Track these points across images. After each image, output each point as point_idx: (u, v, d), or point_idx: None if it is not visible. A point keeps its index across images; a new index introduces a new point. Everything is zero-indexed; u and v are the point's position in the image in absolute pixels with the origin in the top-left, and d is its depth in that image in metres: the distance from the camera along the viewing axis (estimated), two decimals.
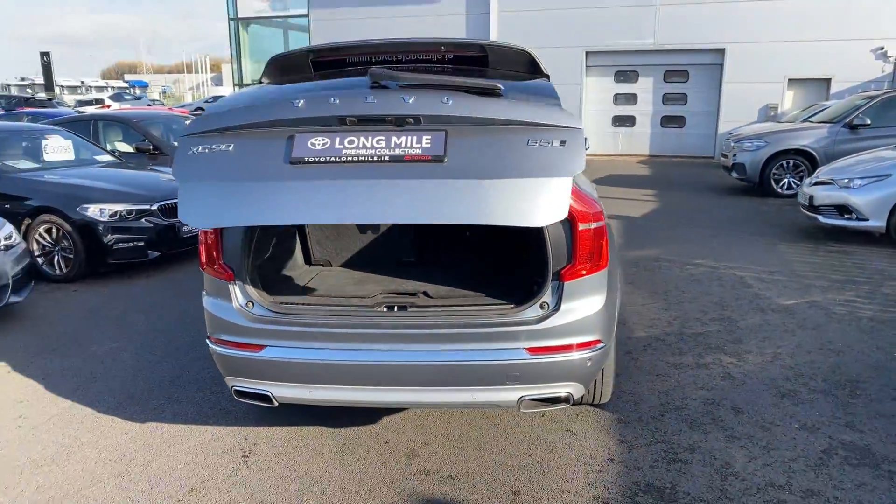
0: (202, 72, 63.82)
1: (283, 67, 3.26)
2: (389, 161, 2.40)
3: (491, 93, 2.53)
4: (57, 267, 6.36)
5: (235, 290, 2.83)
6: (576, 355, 2.75)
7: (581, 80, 18.49)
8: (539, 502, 2.82)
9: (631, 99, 18.74)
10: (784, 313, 5.13)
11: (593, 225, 2.72)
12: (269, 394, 2.84)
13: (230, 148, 2.48)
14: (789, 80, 16.84)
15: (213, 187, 2.45)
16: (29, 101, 23.09)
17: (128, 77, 69.89)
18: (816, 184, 7.76)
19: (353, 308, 2.91)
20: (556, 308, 2.74)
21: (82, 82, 59.09)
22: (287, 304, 2.87)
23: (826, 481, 2.91)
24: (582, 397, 3.43)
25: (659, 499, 2.82)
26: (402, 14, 19.38)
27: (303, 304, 2.93)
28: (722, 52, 17.18)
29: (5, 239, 5.20)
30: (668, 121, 18.57)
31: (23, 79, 53.59)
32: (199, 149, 2.50)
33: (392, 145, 2.42)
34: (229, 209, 2.41)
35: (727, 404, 3.64)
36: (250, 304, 2.82)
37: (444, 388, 2.73)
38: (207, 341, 2.96)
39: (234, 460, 3.17)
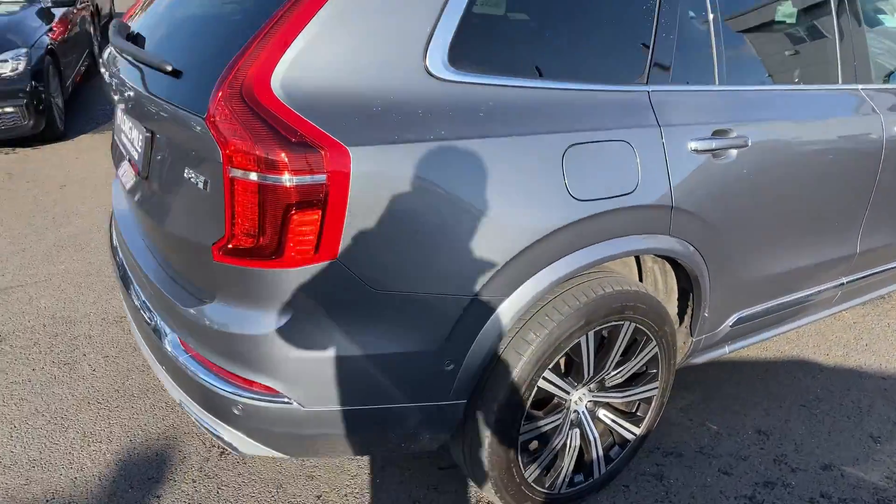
0: None
1: None
2: (129, 163, 2.04)
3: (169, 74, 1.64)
4: None
5: None
6: (217, 384, 1.57)
7: None
8: None
9: None
10: None
11: (279, 179, 1.35)
12: None
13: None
14: None
15: None
16: None
17: None
18: None
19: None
20: (211, 297, 1.57)
21: None
22: None
23: None
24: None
25: None
26: None
27: None
28: None
29: None
30: None
31: None
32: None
33: (129, 140, 2.03)
34: None
35: None
36: None
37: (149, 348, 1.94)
38: None
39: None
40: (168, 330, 1.74)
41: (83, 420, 2.39)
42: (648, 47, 1.83)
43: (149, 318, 1.85)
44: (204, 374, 1.60)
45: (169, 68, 1.57)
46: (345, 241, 1.42)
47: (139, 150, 1.85)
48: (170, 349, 1.69)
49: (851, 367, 2.99)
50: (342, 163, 1.38)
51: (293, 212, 1.38)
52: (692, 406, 2.64)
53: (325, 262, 1.43)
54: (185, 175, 1.56)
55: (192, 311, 1.61)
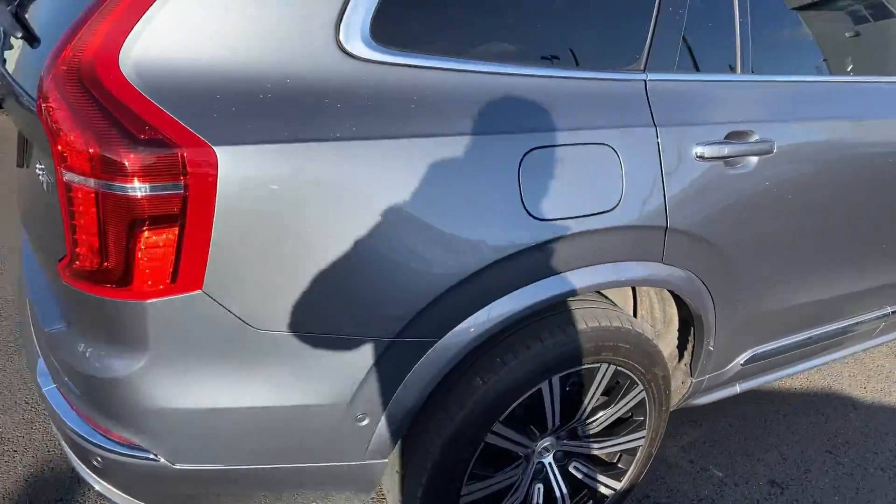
0: None
1: None
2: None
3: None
4: None
5: None
6: (76, 427, 1.28)
7: None
8: None
9: None
10: None
11: (122, 187, 1.03)
12: None
13: None
14: None
15: None
16: None
17: None
18: None
19: None
20: (71, 322, 1.28)
21: None
22: None
23: None
24: None
25: None
26: None
27: None
28: None
29: None
30: None
31: None
32: None
33: None
34: None
35: None
36: None
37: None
38: None
39: None
40: (39, 352, 1.46)
41: (4, 423, 2.16)
42: (648, 24, 1.44)
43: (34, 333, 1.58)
44: (63, 412, 1.32)
45: (19, 34, 1.26)
46: (213, 267, 1.10)
47: (17, 138, 1.56)
48: (38, 375, 1.42)
49: (892, 405, 2.57)
50: (206, 166, 1.05)
51: (141, 229, 1.06)
52: (695, 445, 2.28)
53: (188, 294, 1.11)
54: (36, 173, 1.26)
55: (54, 334, 1.32)
